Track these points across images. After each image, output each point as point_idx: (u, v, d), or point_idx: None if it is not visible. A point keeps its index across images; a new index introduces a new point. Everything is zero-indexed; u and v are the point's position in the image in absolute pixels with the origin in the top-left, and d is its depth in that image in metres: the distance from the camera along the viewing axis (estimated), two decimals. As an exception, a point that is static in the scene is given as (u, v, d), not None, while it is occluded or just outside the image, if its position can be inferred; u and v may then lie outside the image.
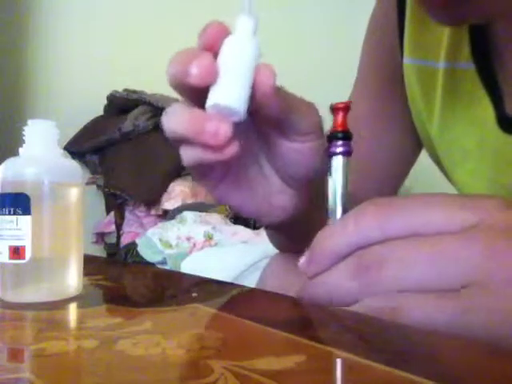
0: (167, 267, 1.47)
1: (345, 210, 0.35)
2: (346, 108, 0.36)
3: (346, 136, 0.36)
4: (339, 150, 0.35)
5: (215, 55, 0.35)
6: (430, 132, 0.54)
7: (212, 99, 0.35)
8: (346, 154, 0.36)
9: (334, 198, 0.36)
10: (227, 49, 0.37)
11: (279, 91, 0.35)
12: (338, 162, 0.36)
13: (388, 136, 0.59)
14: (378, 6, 0.59)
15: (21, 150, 0.39)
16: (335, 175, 0.36)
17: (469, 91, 0.48)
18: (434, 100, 0.52)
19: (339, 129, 0.36)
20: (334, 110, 0.36)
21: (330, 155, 0.36)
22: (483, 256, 0.26)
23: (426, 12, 0.43)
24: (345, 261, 0.30)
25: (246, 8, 0.38)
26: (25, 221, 0.37)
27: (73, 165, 0.41)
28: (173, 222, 1.67)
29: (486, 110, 0.47)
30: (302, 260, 0.32)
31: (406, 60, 0.54)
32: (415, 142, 0.59)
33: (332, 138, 0.36)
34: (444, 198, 0.29)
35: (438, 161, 0.56)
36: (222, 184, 0.40)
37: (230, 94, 0.35)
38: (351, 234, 0.30)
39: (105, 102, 2.16)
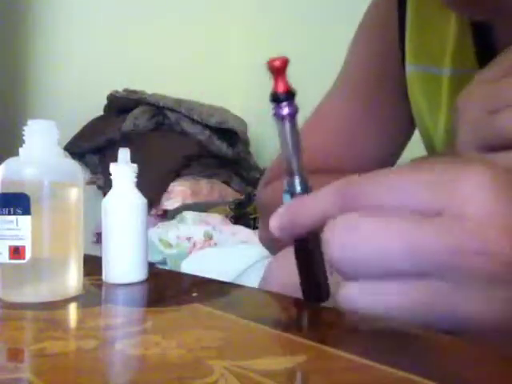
0: (167, 267, 1.47)
1: (300, 168, 0.34)
2: (284, 65, 0.33)
3: (290, 96, 0.34)
4: (285, 111, 0.34)
5: None
6: (434, 140, 0.53)
7: (110, 278, 0.43)
8: (292, 115, 0.34)
9: (288, 158, 0.34)
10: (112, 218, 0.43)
11: None
12: (285, 125, 0.34)
13: (370, 139, 0.59)
14: (374, 11, 0.58)
15: (21, 149, 0.39)
16: (286, 138, 0.34)
17: None
18: (439, 107, 0.51)
19: (281, 90, 0.34)
20: (272, 69, 0.34)
21: (277, 118, 0.34)
22: (447, 252, 0.26)
23: (449, 6, 0.43)
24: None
25: (122, 160, 0.44)
26: (25, 221, 0.37)
27: (73, 165, 0.41)
28: (173, 221, 1.66)
29: None
30: (273, 223, 0.33)
31: (409, 67, 0.53)
32: (397, 150, 0.60)
33: (275, 100, 0.34)
34: (415, 176, 0.29)
35: None
36: None
37: (124, 271, 0.43)
38: (325, 213, 0.30)
39: (105, 102, 2.16)
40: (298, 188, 0.34)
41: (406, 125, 0.58)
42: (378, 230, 0.27)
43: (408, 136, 0.60)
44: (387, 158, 0.59)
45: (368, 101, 0.58)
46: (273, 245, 0.63)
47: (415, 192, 0.27)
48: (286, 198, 0.35)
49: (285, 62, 0.33)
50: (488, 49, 0.47)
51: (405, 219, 0.27)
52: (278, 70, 0.33)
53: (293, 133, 0.34)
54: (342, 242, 0.28)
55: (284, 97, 0.34)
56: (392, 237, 0.27)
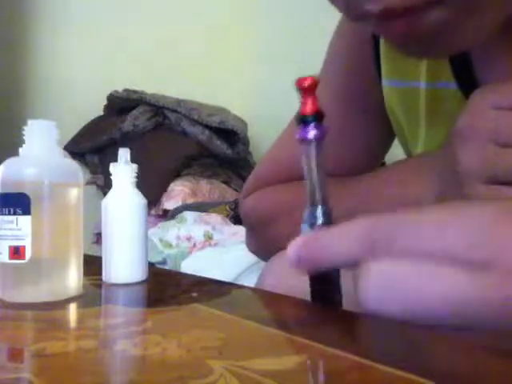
0: (167, 267, 1.47)
1: (324, 197, 0.33)
2: (314, 86, 0.32)
3: (317, 118, 0.32)
4: (311, 135, 0.32)
5: None
6: (413, 152, 0.53)
7: (110, 278, 0.43)
8: (319, 138, 0.32)
9: (312, 185, 0.33)
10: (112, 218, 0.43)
11: None
12: (311, 148, 0.32)
13: (346, 150, 0.59)
14: (348, 28, 0.57)
15: (21, 150, 0.39)
16: (310, 161, 0.33)
17: (452, 110, 0.48)
18: (417, 120, 0.51)
19: (308, 111, 0.32)
20: (301, 90, 0.32)
21: (302, 141, 0.32)
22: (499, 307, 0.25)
23: (395, 48, 0.42)
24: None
25: (122, 159, 0.45)
26: (25, 221, 0.37)
27: (73, 165, 0.41)
28: (173, 221, 1.66)
29: None
30: (292, 254, 0.30)
31: (386, 82, 0.53)
32: (375, 160, 0.60)
33: (301, 121, 0.32)
34: (453, 222, 0.27)
35: None
36: None
37: (124, 271, 0.43)
38: (350, 255, 0.29)
39: (105, 102, 2.16)
40: (321, 220, 0.32)
41: (384, 135, 0.58)
42: (426, 282, 0.26)
43: (387, 147, 0.60)
44: (364, 168, 0.59)
45: (345, 114, 0.58)
46: (263, 253, 0.63)
47: (455, 241, 0.26)
48: (305, 228, 0.33)
49: (315, 82, 0.32)
50: (462, 61, 0.47)
51: (453, 271, 0.26)
52: (307, 89, 0.32)
53: (319, 158, 0.32)
54: (383, 295, 0.27)
55: (312, 118, 0.32)
56: (442, 291, 0.26)
